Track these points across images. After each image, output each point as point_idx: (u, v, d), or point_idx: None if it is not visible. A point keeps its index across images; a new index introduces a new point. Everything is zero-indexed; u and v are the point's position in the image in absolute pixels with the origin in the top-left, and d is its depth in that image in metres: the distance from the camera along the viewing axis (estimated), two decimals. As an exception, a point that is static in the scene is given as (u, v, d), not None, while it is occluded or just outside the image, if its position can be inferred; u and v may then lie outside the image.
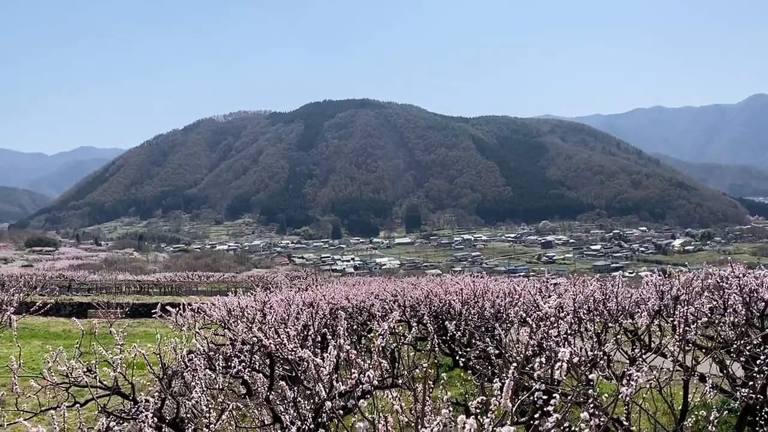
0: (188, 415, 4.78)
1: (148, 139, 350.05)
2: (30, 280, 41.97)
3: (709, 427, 4.63)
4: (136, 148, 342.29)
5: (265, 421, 6.32)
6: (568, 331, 5.69)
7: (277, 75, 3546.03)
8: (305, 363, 5.25)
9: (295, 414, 5.21)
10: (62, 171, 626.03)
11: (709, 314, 7.98)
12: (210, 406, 4.71)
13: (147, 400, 5.52)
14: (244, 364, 7.07)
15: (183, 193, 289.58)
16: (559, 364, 2.80)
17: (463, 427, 2.05)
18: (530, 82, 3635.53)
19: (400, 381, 6.74)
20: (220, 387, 6.58)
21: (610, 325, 7.91)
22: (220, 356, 7.25)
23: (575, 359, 5.10)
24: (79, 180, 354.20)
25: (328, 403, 4.55)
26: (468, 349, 9.47)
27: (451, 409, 2.70)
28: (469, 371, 8.88)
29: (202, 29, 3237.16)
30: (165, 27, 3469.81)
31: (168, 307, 15.67)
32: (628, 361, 7.01)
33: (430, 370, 3.46)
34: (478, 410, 2.93)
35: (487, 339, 8.16)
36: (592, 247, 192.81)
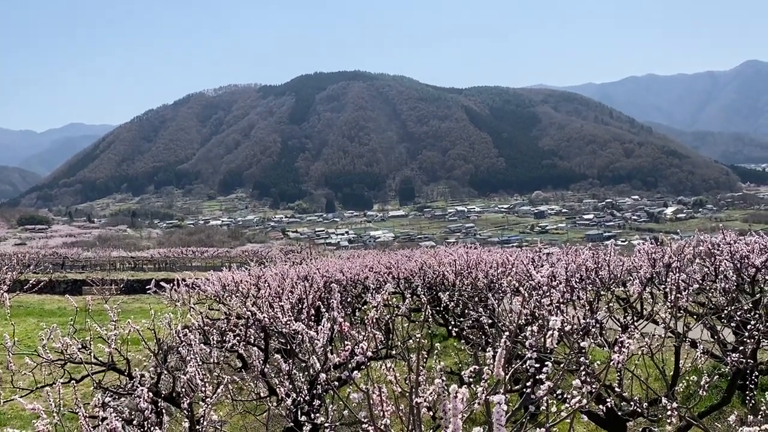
0: (184, 390, 4.80)
1: (138, 115, 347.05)
2: (23, 259, 41.73)
3: (700, 391, 4.70)
4: (126, 124, 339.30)
5: (261, 394, 6.38)
6: (561, 300, 5.73)
7: (267, 47, 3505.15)
8: (300, 336, 5.27)
9: (291, 386, 5.25)
10: (52, 148, 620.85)
11: (701, 281, 8.05)
12: (206, 380, 4.73)
13: (143, 375, 5.56)
14: (239, 338, 7.10)
15: (175, 168, 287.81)
16: (551, 332, 2.82)
17: (457, 396, 2.06)
18: (522, 52, 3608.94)
19: (395, 352, 6.79)
20: (216, 361, 6.62)
21: (602, 293, 7.96)
22: (215, 331, 7.29)
23: (567, 327, 5.14)
24: (70, 157, 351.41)
25: (323, 375, 4.59)
26: (461, 319, 9.54)
27: (445, 378, 2.72)
28: (463, 341, 8.95)
29: (190, 0, 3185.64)
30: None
31: (162, 283, 15.71)
32: (620, 329, 7.07)
33: (423, 341, 3.47)
34: (471, 379, 2.96)
35: (480, 309, 8.22)
36: (585, 217, 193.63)
